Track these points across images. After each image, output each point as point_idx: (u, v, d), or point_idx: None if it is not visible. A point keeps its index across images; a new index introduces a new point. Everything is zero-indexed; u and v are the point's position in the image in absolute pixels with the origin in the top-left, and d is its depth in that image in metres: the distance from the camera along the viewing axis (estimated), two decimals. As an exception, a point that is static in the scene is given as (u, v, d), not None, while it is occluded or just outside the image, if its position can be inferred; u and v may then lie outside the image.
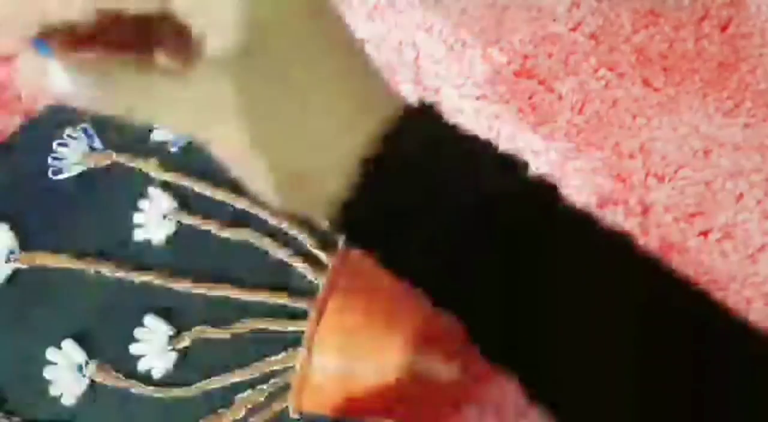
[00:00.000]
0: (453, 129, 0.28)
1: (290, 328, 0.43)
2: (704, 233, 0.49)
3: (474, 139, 0.28)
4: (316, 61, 0.26)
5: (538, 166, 0.48)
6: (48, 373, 0.43)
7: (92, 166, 0.46)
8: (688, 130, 0.50)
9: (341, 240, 0.44)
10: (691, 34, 0.52)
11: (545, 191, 0.28)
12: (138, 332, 0.44)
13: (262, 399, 0.43)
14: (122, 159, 0.47)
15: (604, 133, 0.50)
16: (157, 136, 0.48)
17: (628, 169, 0.49)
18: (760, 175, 0.50)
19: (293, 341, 0.43)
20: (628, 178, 0.49)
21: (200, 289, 0.44)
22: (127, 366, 0.44)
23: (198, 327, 0.44)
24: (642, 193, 0.49)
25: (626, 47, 0.52)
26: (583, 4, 0.52)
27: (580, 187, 0.49)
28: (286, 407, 0.43)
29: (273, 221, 0.46)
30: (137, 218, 0.46)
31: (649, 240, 0.48)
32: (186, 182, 0.47)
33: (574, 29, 0.52)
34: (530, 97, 0.50)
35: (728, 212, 0.49)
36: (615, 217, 0.48)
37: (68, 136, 0.48)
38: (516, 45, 0.51)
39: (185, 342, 0.44)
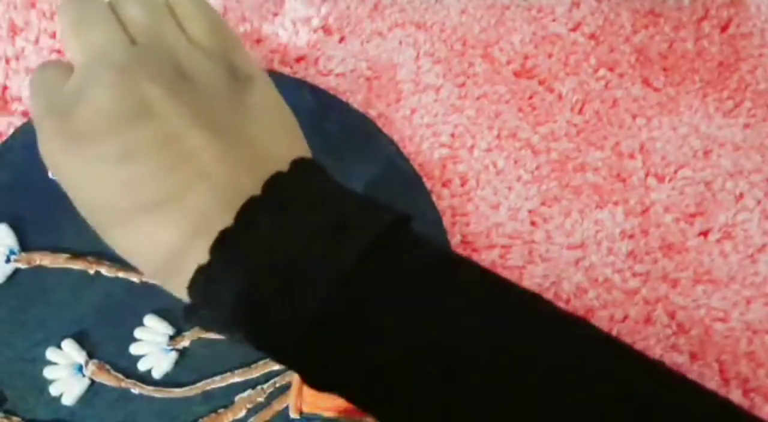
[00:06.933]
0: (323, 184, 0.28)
1: (290, 328, 0.43)
2: (704, 233, 0.49)
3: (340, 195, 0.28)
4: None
5: (538, 165, 0.49)
6: (48, 373, 0.43)
7: (92, 165, 0.46)
8: (688, 130, 0.50)
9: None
10: (691, 34, 0.52)
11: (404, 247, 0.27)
12: (138, 332, 0.44)
13: (262, 399, 0.43)
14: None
15: (604, 133, 0.50)
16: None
17: (628, 169, 0.49)
18: (760, 175, 0.50)
19: (293, 341, 0.43)
20: (628, 178, 0.49)
21: (200, 289, 0.44)
22: (127, 366, 0.44)
23: (198, 327, 0.44)
24: (642, 193, 0.49)
25: (626, 47, 0.52)
26: (583, 4, 0.52)
27: (579, 187, 0.49)
28: (286, 407, 0.43)
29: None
30: (137, 218, 0.46)
31: (648, 240, 0.48)
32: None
33: (574, 29, 0.52)
34: (530, 97, 0.50)
35: (728, 212, 0.49)
36: (615, 217, 0.48)
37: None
38: (516, 45, 0.51)
39: (185, 342, 0.44)
